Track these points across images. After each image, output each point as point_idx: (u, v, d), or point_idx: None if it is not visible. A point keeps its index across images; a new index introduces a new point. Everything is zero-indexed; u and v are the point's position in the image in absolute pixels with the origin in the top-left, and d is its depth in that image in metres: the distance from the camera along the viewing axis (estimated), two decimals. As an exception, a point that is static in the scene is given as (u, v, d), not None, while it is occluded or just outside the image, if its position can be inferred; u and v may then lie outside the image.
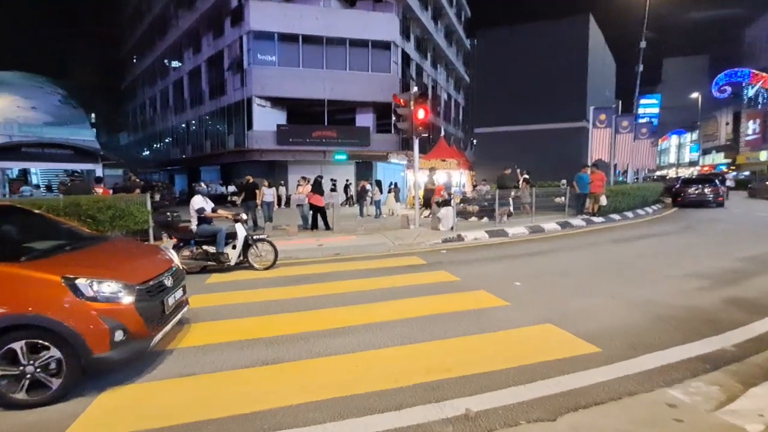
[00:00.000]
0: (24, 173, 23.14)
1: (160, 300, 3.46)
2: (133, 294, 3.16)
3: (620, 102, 20.66)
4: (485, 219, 12.23)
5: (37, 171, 23.05)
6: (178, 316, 3.86)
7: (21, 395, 2.75)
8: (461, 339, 3.78)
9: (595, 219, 12.52)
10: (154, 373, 3.24)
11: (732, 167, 45.48)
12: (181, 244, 6.74)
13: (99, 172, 21.28)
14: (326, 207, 11.72)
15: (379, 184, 17.33)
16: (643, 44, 19.95)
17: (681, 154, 67.28)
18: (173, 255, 4.33)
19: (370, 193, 16.21)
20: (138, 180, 14.87)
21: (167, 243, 7.40)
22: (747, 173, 39.53)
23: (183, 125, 33.45)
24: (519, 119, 36.35)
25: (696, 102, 42.53)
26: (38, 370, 2.78)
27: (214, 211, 6.98)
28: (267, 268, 6.92)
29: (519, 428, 2.41)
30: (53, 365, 2.82)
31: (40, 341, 2.80)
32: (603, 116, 16.48)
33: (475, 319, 4.27)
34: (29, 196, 15.56)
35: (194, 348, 3.71)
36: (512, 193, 12.35)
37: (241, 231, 6.88)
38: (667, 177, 38.46)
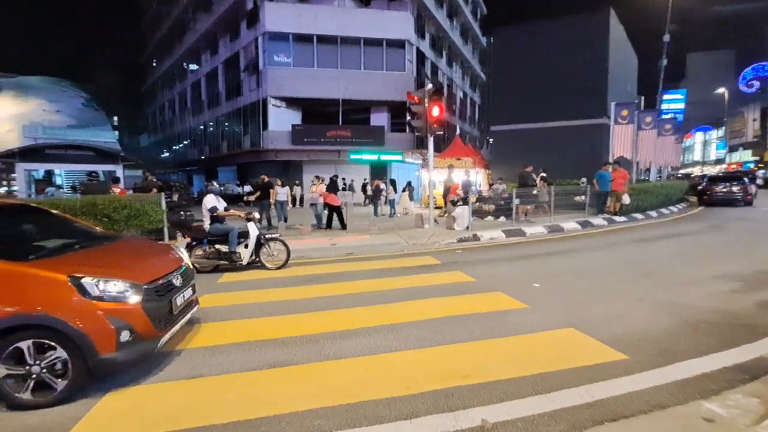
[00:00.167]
0: (49, 175, 23.82)
1: (168, 300, 3.39)
2: (140, 293, 3.10)
3: (642, 98, 19.97)
4: (502, 218, 11.96)
5: (61, 172, 23.68)
6: (188, 316, 3.80)
7: (26, 396, 2.72)
8: (477, 343, 3.61)
9: (617, 218, 12.11)
10: (160, 375, 3.17)
11: (760, 165, 43.67)
12: (195, 243, 6.74)
13: (119, 173, 21.77)
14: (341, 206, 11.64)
15: (393, 183, 17.18)
16: (666, 38, 19.28)
17: (706, 151, 65.04)
18: (183, 254, 4.28)
19: (384, 192, 16.09)
20: (155, 180, 15.10)
21: (181, 242, 7.43)
22: (776, 170, 37.89)
23: (200, 126, 34.02)
24: (537, 116, 35.61)
25: (722, 97, 40.99)
26: (44, 370, 2.74)
27: (226, 210, 6.96)
28: (279, 268, 6.86)
29: (540, 442, 2.24)
30: (59, 366, 2.77)
31: (47, 341, 2.76)
32: (625, 112, 15.95)
33: (491, 322, 4.09)
34: (51, 196, 15.98)
35: (202, 349, 3.64)
36: (534, 191, 12.04)
37: (253, 230, 6.83)
38: (692, 175, 37.12)
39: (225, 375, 3.14)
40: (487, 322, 4.09)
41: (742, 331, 3.67)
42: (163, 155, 43.64)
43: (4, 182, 26.87)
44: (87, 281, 2.89)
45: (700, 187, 17.98)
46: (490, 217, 12.27)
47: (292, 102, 24.62)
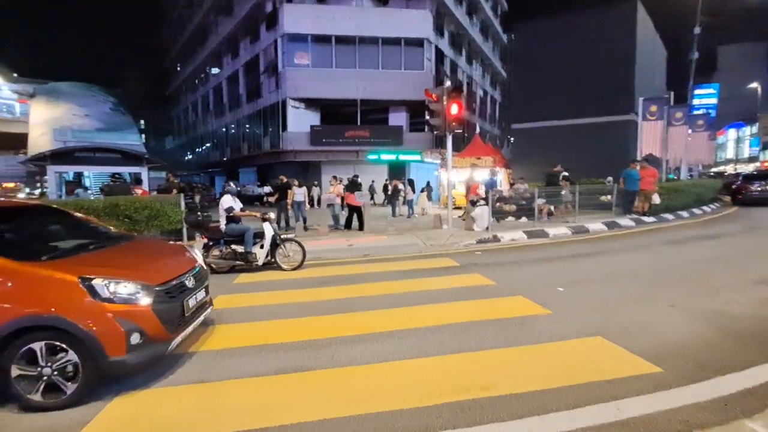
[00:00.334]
0: (78, 176, 24.69)
1: (180, 301, 3.34)
2: (151, 295, 3.06)
3: (672, 93, 19.13)
4: (523, 219, 11.62)
5: (90, 174, 24.50)
6: (201, 318, 3.74)
7: (37, 397, 2.70)
8: (496, 351, 3.41)
9: (646, 218, 11.58)
10: (170, 378, 3.12)
11: (795, 163, 41.35)
12: (211, 244, 6.76)
13: (144, 175, 22.35)
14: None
15: (411, 183, 17.00)
16: (697, 30, 18.44)
17: (739, 148, 61.95)
18: (197, 254, 4.25)
19: (402, 193, 15.93)
20: (176, 181, 15.38)
21: (199, 243, 7.48)
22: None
23: (222, 129, 34.66)
24: (560, 113, 34.72)
25: (755, 92, 38.99)
26: (55, 372, 2.72)
27: (242, 210, 6.96)
28: (295, 269, 6.81)
29: (565, 464, 2.05)
30: (70, 368, 2.75)
31: (59, 343, 2.74)
32: (654, 107, 15.30)
33: (512, 329, 3.89)
34: (78, 198, 16.52)
35: (214, 352, 3.58)
36: (563, 192, 11.71)
37: (268, 230, 6.81)
38: (725, 173, 35.40)
39: (234, 380, 3.06)
40: (507, 329, 3.89)
41: (790, 342, 3.36)
42: (187, 157, 44.70)
43: (38, 184, 28.09)
44: (97, 282, 2.87)
45: (734, 186, 17.11)
46: (510, 218, 11.94)
47: (310, 103, 24.75)
